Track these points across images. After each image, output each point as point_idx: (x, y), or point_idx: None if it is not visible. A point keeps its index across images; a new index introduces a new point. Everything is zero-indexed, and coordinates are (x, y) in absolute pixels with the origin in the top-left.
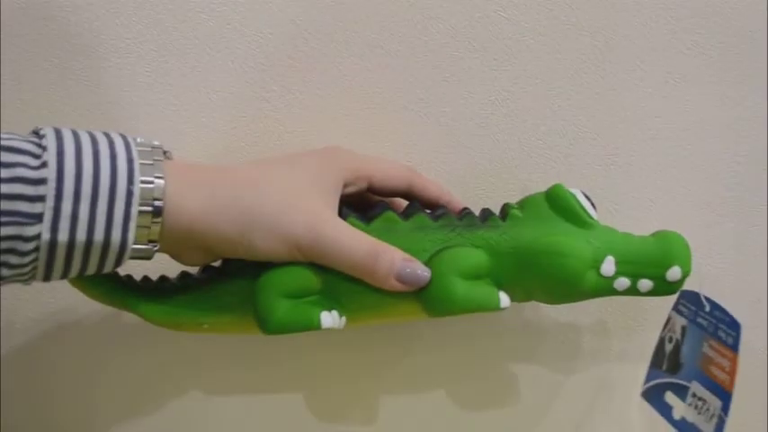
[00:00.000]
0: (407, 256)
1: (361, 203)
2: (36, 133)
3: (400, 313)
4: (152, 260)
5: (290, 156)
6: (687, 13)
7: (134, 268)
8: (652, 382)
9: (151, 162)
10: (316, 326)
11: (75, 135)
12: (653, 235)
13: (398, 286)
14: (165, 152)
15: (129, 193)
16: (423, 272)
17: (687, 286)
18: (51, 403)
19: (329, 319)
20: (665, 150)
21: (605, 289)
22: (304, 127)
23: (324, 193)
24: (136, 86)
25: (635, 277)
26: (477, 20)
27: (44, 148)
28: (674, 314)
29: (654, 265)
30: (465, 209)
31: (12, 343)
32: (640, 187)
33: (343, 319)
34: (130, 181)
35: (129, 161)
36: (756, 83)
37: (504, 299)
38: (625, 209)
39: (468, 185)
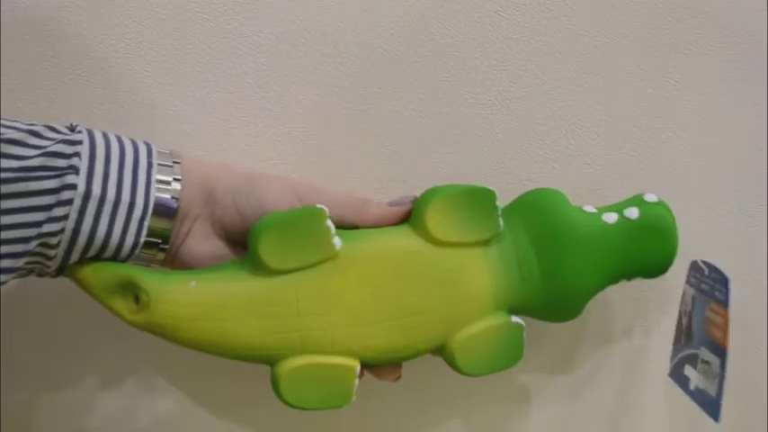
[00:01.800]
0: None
1: None
2: (69, 125)
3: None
4: None
5: None
6: (687, 13)
7: None
8: (675, 359)
9: (168, 152)
10: (329, 243)
11: (103, 133)
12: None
13: (390, 211)
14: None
15: (150, 165)
16: (407, 199)
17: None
18: (51, 403)
19: (338, 241)
20: (665, 150)
21: (595, 224)
22: (304, 127)
23: None
24: (136, 86)
25: (619, 210)
26: (477, 20)
27: (73, 129)
28: (686, 287)
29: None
30: None
31: (12, 343)
32: (640, 187)
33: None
34: (149, 154)
35: (148, 146)
36: (756, 83)
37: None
38: None
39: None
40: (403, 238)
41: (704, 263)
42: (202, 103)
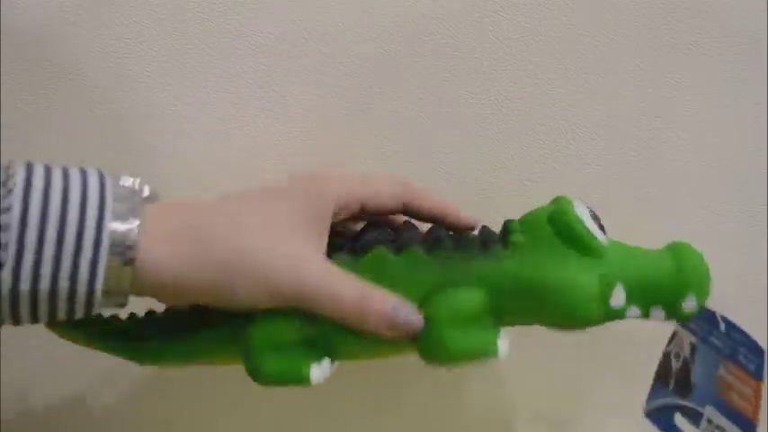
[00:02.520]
0: (398, 301)
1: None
2: (6, 169)
3: (395, 354)
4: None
5: (272, 190)
6: (687, 13)
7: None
8: (658, 402)
9: (128, 217)
10: (306, 382)
11: (47, 173)
12: (670, 251)
13: (390, 334)
14: (141, 193)
15: (98, 242)
16: (413, 318)
17: None
18: (51, 404)
19: (318, 373)
20: (665, 150)
21: (614, 318)
22: (304, 127)
23: (308, 230)
24: (136, 86)
25: (646, 306)
26: (477, 20)
27: (9, 191)
28: (681, 329)
29: (669, 294)
30: (461, 231)
31: (12, 343)
32: (640, 187)
33: (335, 364)
34: (99, 228)
35: (101, 204)
36: (756, 83)
37: (502, 348)
38: (624, 209)
39: (469, 185)
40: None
41: (723, 318)
42: (202, 103)
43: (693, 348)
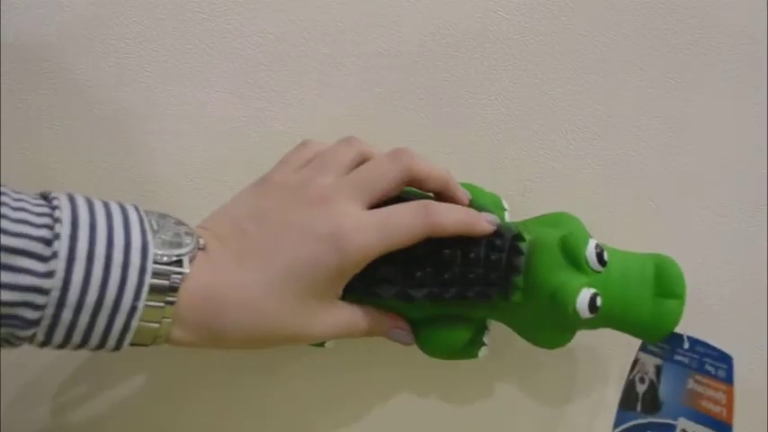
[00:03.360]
0: (400, 324)
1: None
2: (51, 208)
3: None
4: None
5: (300, 244)
6: (687, 13)
7: None
8: (625, 425)
9: (161, 303)
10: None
11: (92, 225)
12: (656, 293)
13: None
14: (182, 261)
15: (133, 309)
16: (408, 339)
17: None
18: (51, 404)
19: (485, 351)
20: (665, 150)
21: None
22: (304, 127)
23: (333, 291)
24: (136, 86)
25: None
26: (477, 20)
27: (54, 254)
28: (644, 355)
29: (636, 334)
30: (466, 268)
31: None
32: (640, 187)
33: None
34: (137, 296)
35: (141, 273)
36: (756, 83)
37: (483, 353)
38: (624, 209)
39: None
40: None
41: (688, 337)
42: (202, 103)
43: (659, 369)
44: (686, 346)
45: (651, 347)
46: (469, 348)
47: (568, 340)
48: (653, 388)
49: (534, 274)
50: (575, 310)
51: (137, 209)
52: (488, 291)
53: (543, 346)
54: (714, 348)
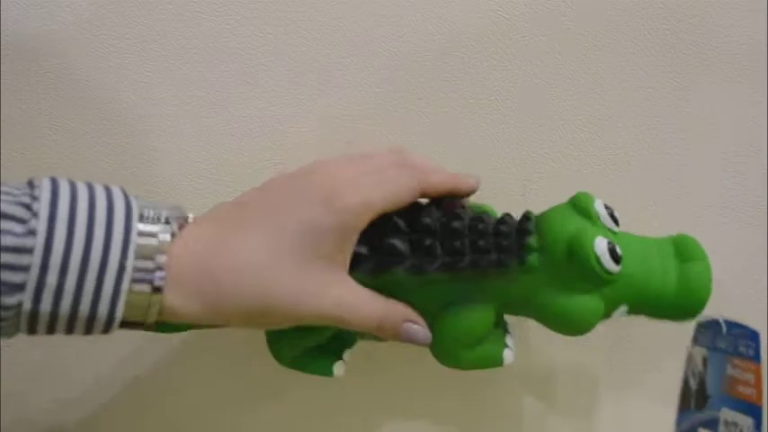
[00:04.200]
0: (412, 317)
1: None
2: (31, 186)
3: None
4: None
5: (300, 203)
6: (687, 13)
7: None
8: (684, 425)
9: (152, 262)
10: (329, 375)
11: (72, 199)
12: (680, 272)
13: (402, 341)
14: (170, 221)
15: (122, 268)
16: (424, 336)
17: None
18: (51, 404)
19: (341, 368)
20: (665, 150)
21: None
22: (304, 127)
23: (336, 256)
24: (136, 86)
25: (645, 314)
26: (477, 20)
27: (35, 214)
28: (693, 347)
29: (670, 312)
30: (479, 233)
31: (12, 343)
32: (640, 187)
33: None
34: (124, 254)
35: (126, 233)
36: (756, 83)
37: (507, 357)
38: (625, 209)
39: None
40: None
41: (724, 320)
42: (202, 103)
43: (705, 360)
44: (724, 330)
45: (698, 338)
46: (492, 348)
47: (598, 312)
48: (702, 382)
49: (547, 232)
50: (596, 259)
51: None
52: (502, 258)
53: (571, 324)
54: (745, 327)
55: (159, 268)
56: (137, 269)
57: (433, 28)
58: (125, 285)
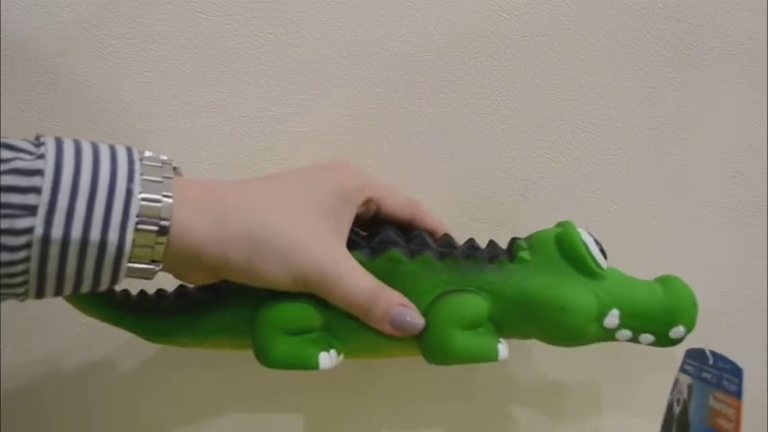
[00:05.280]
0: (404, 301)
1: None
2: (37, 138)
3: (399, 353)
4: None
5: (305, 173)
6: (687, 13)
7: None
8: None
9: (159, 179)
10: (314, 366)
11: (76, 140)
12: (662, 284)
13: (392, 331)
14: (174, 168)
15: (129, 192)
16: (416, 320)
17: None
18: (51, 404)
19: (327, 360)
20: (665, 150)
21: (606, 338)
22: (304, 126)
23: (337, 222)
24: (136, 86)
25: (638, 331)
26: (478, 20)
27: (42, 143)
28: (681, 374)
29: (659, 323)
30: (470, 241)
31: (12, 344)
32: (640, 187)
33: (341, 356)
34: (130, 179)
35: (130, 163)
36: (756, 83)
37: (502, 351)
38: (625, 209)
39: (468, 186)
40: None
41: (711, 352)
42: (202, 103)
43: (690, 388)
44: (710, 361)
45: (686, 366)
46: (486, 340)
47: (590, 306)
48: (685, 410)
49: (536, 235)
50: (585, 246)
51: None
52: (494, 254)
53: (565, 319)
54: (729, 361)
55: (166, 188)
56: (144, 192)
57: (433, 28)
58: (134, 208)
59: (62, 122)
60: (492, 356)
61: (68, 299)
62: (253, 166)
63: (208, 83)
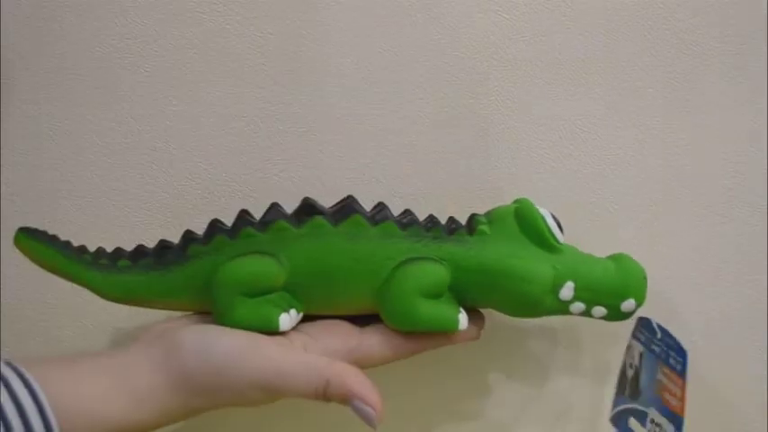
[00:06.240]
0: (360, 392)
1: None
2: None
3: (356, 311)
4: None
5: None
6: (687, 13)
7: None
8: (618, 408)
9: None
10: (275, 328)
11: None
12: (614, 260)
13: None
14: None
15: None
16: (374, 417)
17: (641, 312)
18: None
19: (287, 321)
20: (666, 150)
21: (561, 311)
22: (303, 126)
23: None
24: (136, 86)
25: (591, 303)
26: (478, 20)
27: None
28: (633, 341)
29: (611, 296)
30: (430, 216)
31: (12, 344)
32: (640, 187)
33: (300, 315)
34: None
35: None
36: (756, 83)
37: (462, 321)
38: (625, 209)
39: (468, 186)
40: None
41: (659, 326)
42: (202, 102)
43: (641, 356)
44: (659, 335)
45: (637, 333)
46: (447, 308)
47: (547, 273)
48: (637, 375)
49: (494, 212)
50: (543, 221)
51: None
52: (454, 227)
53: (523, 284)
54: (675, 340)
55: None
56: None
57: (433, 28)
58: None
59: (62, 123)
60: (453, 325)
61: (18, 242)
62: (253, 166)
63: (208, 83)
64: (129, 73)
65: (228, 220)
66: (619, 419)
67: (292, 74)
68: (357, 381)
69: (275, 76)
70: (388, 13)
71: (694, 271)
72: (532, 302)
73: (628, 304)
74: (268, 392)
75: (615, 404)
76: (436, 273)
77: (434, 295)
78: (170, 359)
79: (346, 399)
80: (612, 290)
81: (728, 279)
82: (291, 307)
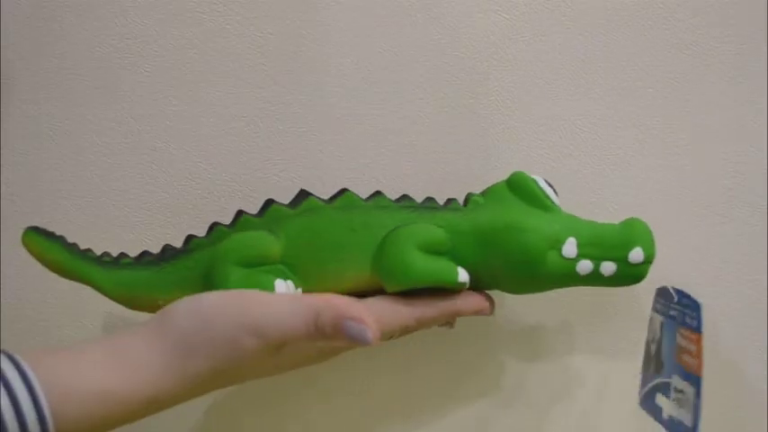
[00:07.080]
0: (351, 312)
1: None
2: None
3: (354, 286)
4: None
5: None
6: (687, 13)
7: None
8: (646, 388)
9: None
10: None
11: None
12: (618, 223)
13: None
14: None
15: None
16: (370, 336)
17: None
18: None
19: (283, 287)
20: (665, 150)
21: (568, 272)
22: (303, 126)
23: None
24: (136, 86)
25: (597, 260)
26: (478, 20)
27: None
28: (653, 313)
29: (616, 248)
30: (427, 197)
31: (12, 344)
32: (640, 187)
33: (298, 290)
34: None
35: None
36: (756, 83)
37: (462, 274)
38: (625, 209)
39: (468, 186)
40: None
41: (674, 289)
42: (202, 102)
43: (661, 326)
44: (675, 299)
45: (657, 305)
46: (446, 264)
47: (546, 228)
48: (659, 348)
49: (488, 189)
50: (536, 183)
51: None
52: (449, 201)
53: (522, 239)
54: (689, 297)
55: None
56: None
57: (434, 28)
58: None
59: (62, 123)
60: (452, 277)
61: (27, 243)
62: (253, 166)
63: (208, 83)
64: (129, 73)
65: (228, 221)
66: (646, 401)
67: (292, 74)
68: (346, 302)
69: (275, 76)
70: (388, 13)
71: (694, 271)
72: (534, 255)
73: (635, 254)
74: (260, 337)
75: (643, 384)
76: (431, 230)
77: (432, 252)
78: (163, 324)
79: (338, 324)
80: (617, 241)
81: (728, 279)
82: (288, 279)
